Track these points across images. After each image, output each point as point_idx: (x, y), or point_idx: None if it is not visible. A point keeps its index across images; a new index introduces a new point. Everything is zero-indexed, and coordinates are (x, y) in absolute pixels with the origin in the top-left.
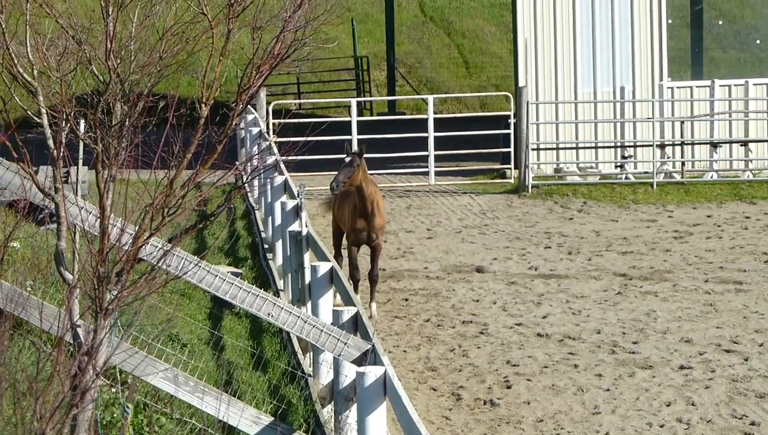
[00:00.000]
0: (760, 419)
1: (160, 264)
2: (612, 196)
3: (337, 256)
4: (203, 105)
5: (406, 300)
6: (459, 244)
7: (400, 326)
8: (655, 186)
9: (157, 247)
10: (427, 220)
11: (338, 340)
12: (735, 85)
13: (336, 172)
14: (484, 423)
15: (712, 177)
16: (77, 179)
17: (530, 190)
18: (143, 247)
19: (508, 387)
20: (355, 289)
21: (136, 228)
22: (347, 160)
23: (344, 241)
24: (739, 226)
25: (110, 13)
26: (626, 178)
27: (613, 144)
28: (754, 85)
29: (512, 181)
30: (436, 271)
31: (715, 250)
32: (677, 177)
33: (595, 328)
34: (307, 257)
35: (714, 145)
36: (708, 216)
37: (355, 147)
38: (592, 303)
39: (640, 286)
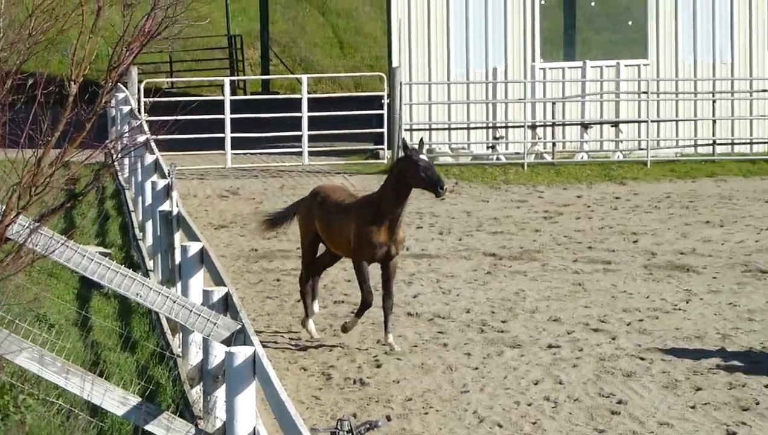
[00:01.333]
0: (627, 398)
1: (26, 243)
2: (483, 177)
3: (307, 281)
4: (73, 83)
5: (278, 280)
6: None
7: (272, 306)
8: (525, 167)
9: (24, 226)
10: None
11: (207, 320)
12: (606, 67)
13: (435, 171)
14: (353, 402)
15: (582, 158)
16: None
17: None
18: (10, 226)
19: (378, 366)
20: (359, 314)
21: (3, 207)
22: (425, 158)
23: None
24: (608, 206)
25: None
26: (497, 158)
27: (485, 125)
28: (625, 66)
29: (385, 161)
30: None
31: (585, 230)
32: (548, 158)
33: (464, 308)
34: (178, 237)
35: (585, 126)
36: (578, 196)
37: (408, 140)
38: (462, 282)
39: (509, 266)
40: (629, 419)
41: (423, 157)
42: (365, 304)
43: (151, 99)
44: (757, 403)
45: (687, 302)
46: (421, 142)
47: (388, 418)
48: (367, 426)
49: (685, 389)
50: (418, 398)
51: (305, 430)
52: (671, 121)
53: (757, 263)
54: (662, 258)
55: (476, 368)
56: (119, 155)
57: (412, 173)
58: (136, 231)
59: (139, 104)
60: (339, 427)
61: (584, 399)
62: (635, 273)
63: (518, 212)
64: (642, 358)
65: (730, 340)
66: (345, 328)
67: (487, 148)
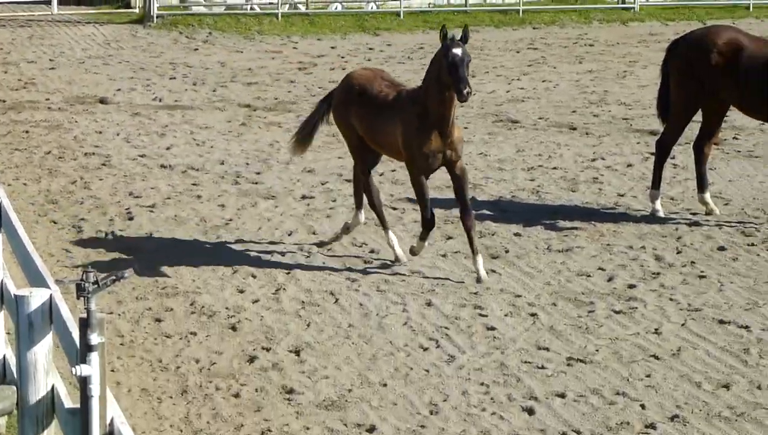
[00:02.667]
0: (380, 247)
1: None
2: (237, 27)
3: (365, 184)
4: None
5: (27, 132)
6: (82, 75)
7: (20, 159)
8: (280, 17)
9: None
10: (50, 50)
11: None
12: None
13: (460, 72)
14: (105, 255)
15: (336, 8)
16: None
17: (155, 21)
18: None
19: (131, 219)
20: (423, 237)
21: None
22: (458, 52)
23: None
24: (362, 57)
25: None
26: (252, 8)
27: None
28: None
29: (137, 11)
30: (58, 102)
31: (339, 81)
32: (302, 8)
33: (218, 159)
34: None
35: None
36: (332, 47)
37: (451, 31)
38: (217, 134)
39: (264, 117)
40: (382, 267)
41: (458, 50)
42: (427, 224)
43: None
44: (507, 251)
45: None
46: (465, 30)
47: (134, 269)
48: (113, 278)
49: (436, 238)
50: (171, 250)
51: (51, 280)
52: None
53: (507, 113)
54: None
55: (230, 220)
56: None
57: (441, 66)
58: None
59: None
60: (84, 279)
61: (337, 248)
62: None
63: (273, 63)
64: (394, 208)
65: (481, 190)
66: (413, 252)
67: None
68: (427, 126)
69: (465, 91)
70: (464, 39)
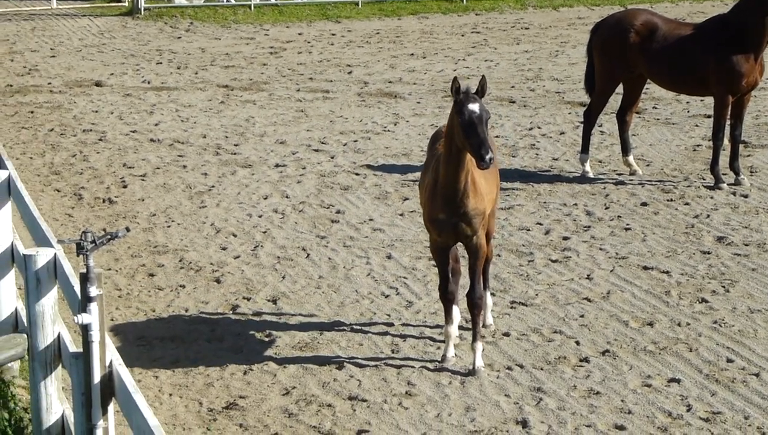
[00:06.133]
0: (345, 208)
1: None
2: (215, 17)
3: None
4: None
5: (32, 112)
6: (80, 62)
7: (27, 136)
8: (252, 7)
9: None
10: (50, 40)
11: None
12: None
13: (479, 133)
14: (103, 218)
15: None
16: None
17: (143, 13)
18: None
19: (125, 187)
20: (448, 315)
21: None
22: (478, 111)
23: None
24: (326, 42)
25: None
26: (228, 0)
27: None
28: None
29: (126, 4)
30: (59, 86)
31: (306, 63)
32: None
33: (201, 133)
34: None
35: None
36: (299, 34)
37: (464, 84)
38: (199, 111)
39: (240, 96)
40: (347, 226)
41: (474, 106)
42: (440, 295)
43: None
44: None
45: (395, 124)
46: (483, 81)
47: (127, 229)
48: (109, 237)
49: (394, 199)
50: (161, 214)
51: (54, 241)
52: None
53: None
54: (373, 87)
55: (212, 186)
56: None
57: (454, 128)
58: None
59: None
60: (84, 239)
61: (308, 210)
62: (350, 100)
63: (247, 48)
64: (357, 174)
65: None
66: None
67: None
68: (437, 194)
69: (487, 158)
70: (481, 92)
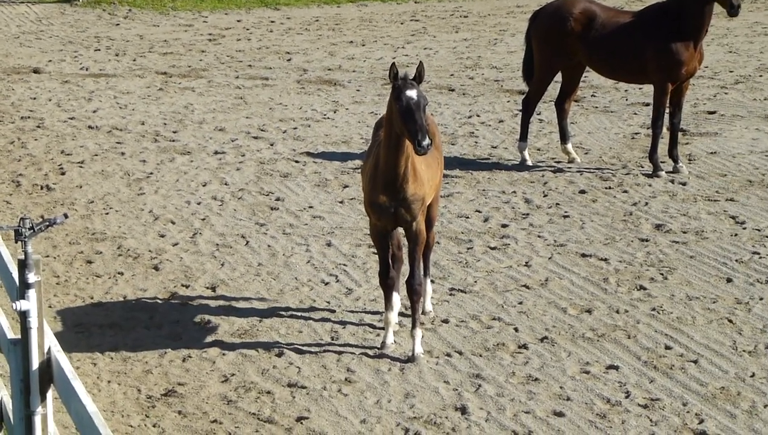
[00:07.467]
0: (285, 195)
1: None
2: (154, 4)
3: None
4: None
5: None
6: (17, 48)
7: None
8: None
9: None
10: None
11: None
12: None
13: (416, 119)
14: (41, 205)
15: None
16: None
17: (81, 0)
18: None
19: (63, 174)
20: (388, 302)
21: None
22: (415, 97)
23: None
24: (265, 29)
25: None
26: None
27: None
28: None
29: None
30: None
31: (245, 50)
32: None
33: (139, 120)
34: None
35: None
36: (238, 21)
37: (401, 70)
38: (137, 98)
39: (179, 83)
40: (287, 214)
41: (412, 92)
42: (380, 278)
43: None
44: None
45: (335, 112)
46: (420, 68)
47: (66, 216)
48: (47, 223)
49: (334, 187)
50: (100, 200)
51: None
52: None
53: None
54: (313, 74)
55: (151, 173)
56: None
57: (392, 114)
58: None
59: None
60: (21, 225)
61: (247, 197)
62: (290, 87)
63: (185, 35)
64: (296, 161)
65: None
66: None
67: None
68: (377, 178)
69: (424, 144)
70: (419, 78)
